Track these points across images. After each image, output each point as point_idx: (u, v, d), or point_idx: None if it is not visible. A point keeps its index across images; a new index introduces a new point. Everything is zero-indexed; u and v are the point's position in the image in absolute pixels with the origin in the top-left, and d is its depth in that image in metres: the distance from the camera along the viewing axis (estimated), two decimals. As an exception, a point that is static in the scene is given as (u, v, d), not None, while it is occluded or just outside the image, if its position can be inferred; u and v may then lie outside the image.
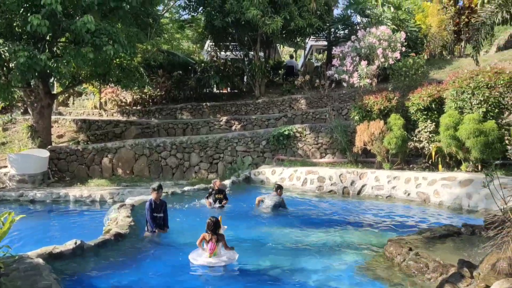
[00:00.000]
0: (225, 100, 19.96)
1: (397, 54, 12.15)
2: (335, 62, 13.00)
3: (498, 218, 4.18)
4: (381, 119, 11.99)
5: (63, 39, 15.17)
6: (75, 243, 6.22)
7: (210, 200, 10.00)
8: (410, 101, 12.06)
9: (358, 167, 12.50)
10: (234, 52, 20.59)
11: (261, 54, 20.25)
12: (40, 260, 5.53)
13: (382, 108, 12.07)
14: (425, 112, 11.81)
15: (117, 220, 8.11)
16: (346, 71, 12.60)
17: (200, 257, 6.14)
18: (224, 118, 17.76)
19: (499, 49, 18.21)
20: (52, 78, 15.11)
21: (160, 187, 7.96)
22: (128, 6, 12.98)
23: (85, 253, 6.26)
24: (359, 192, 11.44)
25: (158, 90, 20.20)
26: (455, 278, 5.31)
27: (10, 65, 13.75)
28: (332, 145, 14.45)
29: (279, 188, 9.86)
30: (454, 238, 6.98)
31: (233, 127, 17.49)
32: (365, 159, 13.41)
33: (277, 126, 16.37)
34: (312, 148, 14.84)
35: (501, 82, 10.60)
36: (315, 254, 6.86)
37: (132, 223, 7.81)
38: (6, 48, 12.47)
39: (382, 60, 12.21)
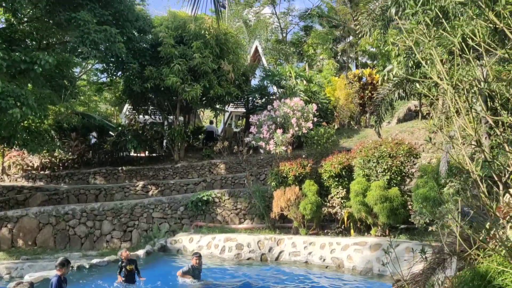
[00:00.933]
0: (142, 164, 19.44)
1: (309, 124, 12.93)
2: (253, 129, 13.47)
3: (404, 283, 4.38)
4: (297, 185, 12.40)
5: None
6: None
7: (122, 275, 9.26)
8: (322, 168, 12.68)
9: (276, 233, 12.62)
10: (153, 116, 20.47)
11: (181, 118, 20.37)
12: None
13: (297, 174, 12.53)
14: (337, 179, 12.45)
15: (11, 301, 7.22)
16: (263, 138, 13.07)
17: None
18: (141, 183, 17.19)
19: (399, 120, 20.18)
20: None
21: (68, 261, 7.42)
22: (40, 69, 12.50)
23: None
24: (277, 258, 11.45)
25: (70, 153, 19.16)
26: None
27: None
28: (250, 210, 14.52)
29: (199, 257, 9.47)
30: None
31: (150, 192, 16.95)
32: (283, 224, 13.60)
33: (196, 191, 16.16)
34: (231, 213, 14.78)
35: (402, 152, 11.62)
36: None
37: (29, 305, 7.00)
38: None
39: (296, 129, 12.89)
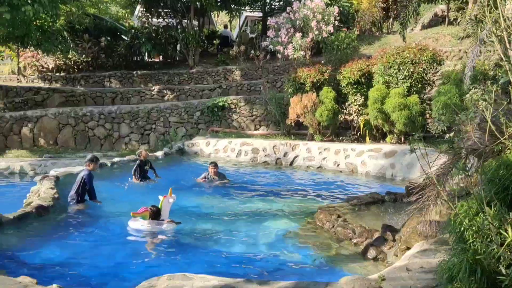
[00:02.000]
0: (157, 69, 19.22)
1: (330, 28, 12.37)
2: (270, 33, 12.96)
3: (419, 184, 4.45)
4: (314, 92, 12.24)
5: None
6: (-9, 216, 5.74)
7: (136, 176, 9.51)
8: (341, 74, 12.40)
9: (291, 139, 12.74)
10: (166, 20, 19.75)
11: (195, 22, 19.65)
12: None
13: (315, 81, 12.31)
14: (355, 86, 12.23)
15: (39, 192, 7.60)
16: (281, 43, 12.63)
17: (135, 222, 6.07)
18: (156, 88, 17.15)
19: (424, 27, 19.18)
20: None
21: (97, 158, 7.85)
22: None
23: (3, 227, 5.80)
24: (291, 163, 11.70)
25: (84, 56, 18.93)
26: (379, 242, 5.64)
27: None
28: (266, 117, 14.57)
29: (215, 166, 9.54)
30: (379, 205, 7.41)
31: (166, 97, 16.98)
32: (298, 131, 13.71)
33: (211, 97, 16.13)
34: (247, 120, 14.87)
35: (425, 58, 11.21)
36: (248, 222, 6.95)
37: (56, 195, 7.35)
38: None
39: (316, 32, 12.37)
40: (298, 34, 12.30)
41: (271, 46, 12.96)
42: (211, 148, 12.79)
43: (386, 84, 11.55)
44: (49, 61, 19.09)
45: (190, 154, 12.97)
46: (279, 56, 12.93)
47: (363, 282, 3.06)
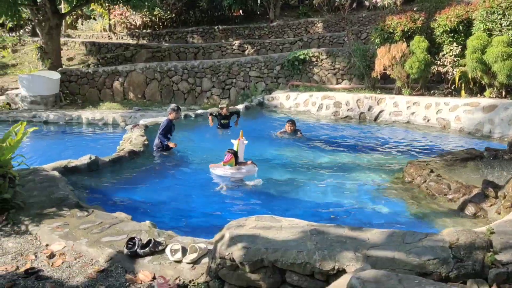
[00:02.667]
0: (237, 23, 19.12)
1: (425, -30, 11.21)
2: (358, -22, 12.08)
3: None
4: (404, 42, 11.34)
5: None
6: (90, 158, 6.15)
7: (212, 120, 9.74)
8: (436, 22, 11.31)
9: (376, 93, 12.07)
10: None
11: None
12: (56, 173, 5.48)
13: (405, 29, 11.37)
14: (452, 35, 11.12)
15: (130, 139, 8.02)
16: (369, -11, 11.76)
17: (218, 168, 6.16)
18: (237, 42, 17.10)
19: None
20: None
21: (178, 108, 7.98)
22: None
23: (100, 168, 6.21)
24: (376, 118, 11.13)
25: (168, 12, 19.34)
26: (479, 198, 5.17)
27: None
28: (349, 70, 13.92)
29: (292, 123, 9.26)
30: (476, 161, 6.79)
31: (246, 52, 16.89)
32: (383, 85, 12.95)
33: (292, 51, 15.72)
34: (329, 73, 14.34)
35: (537, 1, 9.81)
36: (333, 174, 6.77)
37: (146, 142, 7.73)
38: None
39: (409, -24, 11.29)
40: (389, -22, 11.35)
41: (358, -7, 12.11)
42: (291, 101, 12.57)
43: (488, 32, 10.34)
44: (137, 19, 19.81)
45: (269, 107, 12.88)
46: (367, 3, 12.07)
47: (470, 234, 2.76)
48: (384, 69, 11.61)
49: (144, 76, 15.56)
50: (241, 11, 20.32)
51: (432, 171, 6.15)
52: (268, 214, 4.05)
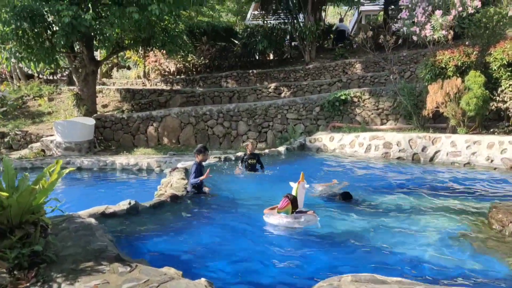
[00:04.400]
0: (272, 67, 18.85)
1: (477, 2, 10.57)
2: (404, 14, 11.52)
3: None
4: (458, 77, 10.57)
5: (106, 0, 14.50)
6: (129, 203, 5.49)
7: (241, 167, 9.05)
8: (491, 56, 10.55)
9: (429, 132, 11.18)
10: (282, 16, 19.32)
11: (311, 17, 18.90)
12: (92, 220, 4.81)
13: (459, 64, 10.62)
14: (510, 69, 10.29)
15: (170, 183, 7.37)
16: (417, 23, 11.13)
17: (272, 216, 5.29)
18: (273, 85, 16.70)
19: None
20: (96, 42, 14.49)
21: (205, 148, 7.31)
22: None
23: (140, 214, 5.51)
24: (431, 159, 10.19)
25: (202, 58, 19.35)
26: None
27: (54, 28, 13.23)
28: (394, 110, 13.15)
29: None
30: None
31: (282, 94, 16.44)
32: (434, 124, 12.07)
33: (330, 92, 15.15)
34: (372, 114, 13.59)
35: None
36: (403, 220, 5.83)
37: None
38: (50, 8, 11.87)
39: (460, 9, 10.66)
40: (438, 12, 10.71)
41: (404, 28, 11.52)
42: (336, 143, 11.80)
43: (555, 63, 9.49)
44: (171, 65, 19.88)
45: (312, 149, 12.14)
46: (415, 38, 11.43)
47: None
48: (437, 107, 10.78)
49: (178, 121, 15.22)
50: (271, 55, 20.18)
51: (527, 216, 5.17)
52: (336, 268, 3.22)
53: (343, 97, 13.71)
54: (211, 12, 26.72)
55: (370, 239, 5.10)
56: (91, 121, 14.34)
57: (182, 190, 6.54)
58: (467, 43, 11.49)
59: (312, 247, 4.83)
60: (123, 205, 5.48)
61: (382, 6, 20.27)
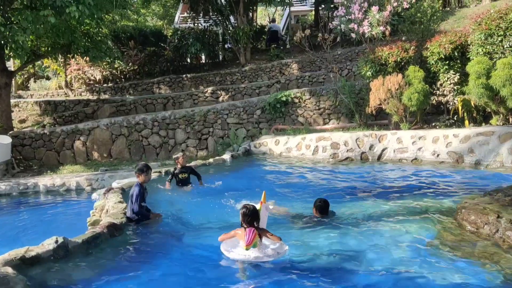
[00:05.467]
0: (206, 70, 18.07)
1: (412, -4, 10.62)
2: (341, 11, 11.31)
3: None
4: (398, 73, 10.52)
5: (17, 4, 12.90)
6: (56, 241, 4.48)
7: (170, 184, 7.93)
8: (428, 50, 10.64)
9: (372, 130, 11.06)
10: (213, 18, 18.59)
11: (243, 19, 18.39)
12: (9, 269, 3.79)
13: (398, 59, 10.60)
14: (447, 62, 10.44)
15: (106, 207, 6.37)
16: (354, 19, 10.96)
17: (235, 249, 4.44)
18: (209, 89, 15.94)
19: (492, -1, 16.99)
20: (7, 51, 12.81)
21: (147, 167, 6.04)
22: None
23: (70, 255, 4.51)
24: (379, 157, 10.03)
25: (130, 64, 18.07)
26: None
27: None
28: (336, 109, 12.98)
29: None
30: (537, 197, 5.65)
31: (220, 98, 15.72)
32: (376, 121, 12.02)
33: (270, 94, 14.69)
34: (314, 114, 13.32)
35: (536, 19, 9.30)
36: (372, 235, 5.26)
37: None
38: None
39: (395, 4, 10.64)
40: (375, 8, 10.62)
41: (342, 26, 11.31)
42: (282, 146, 11.32)
43: (488, 55, 9.70)
44: (96, 73, 18.40)
45: (257, 155, 11.55)
46: (353, 35, 11.25)
47: None
48: (379, 104, 10.67)
49: (109, 133, 13.97)
50: (203, 58, 19.40)
51: (499, 216, 4.92)
52: None
53: (283, 99, 13.31)
54: (135, 16, 25.29)
55: (341, 260, 4.53)
56: (6, 139, 12.70)
57: (121, 217, 5.58)
58: (403, 38, 11.55)
59: (278, 277, 4.17)
60: (48, 244, 4.45)
61: (312, 6, 20.26)
